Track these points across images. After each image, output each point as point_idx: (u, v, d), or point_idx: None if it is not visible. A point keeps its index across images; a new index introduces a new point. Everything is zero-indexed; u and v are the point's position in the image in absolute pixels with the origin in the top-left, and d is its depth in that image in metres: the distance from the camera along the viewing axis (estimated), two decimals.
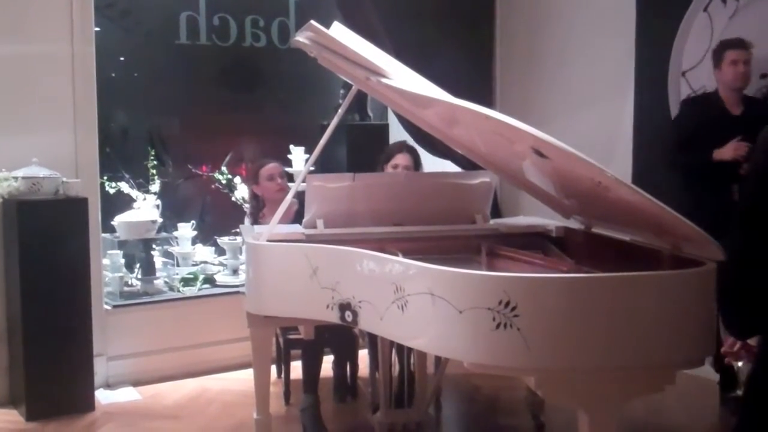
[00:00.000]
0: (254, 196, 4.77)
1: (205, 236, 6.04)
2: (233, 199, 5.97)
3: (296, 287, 3.55)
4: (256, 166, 4.78)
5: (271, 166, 4.71)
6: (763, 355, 1.90)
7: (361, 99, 5.80)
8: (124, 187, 5.50)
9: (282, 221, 3.97)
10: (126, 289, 5.34)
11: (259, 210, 4.72)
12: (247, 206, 5.80)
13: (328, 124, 3.89)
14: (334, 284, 3.40)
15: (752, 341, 2.08)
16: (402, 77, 3.55)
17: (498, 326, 2.68)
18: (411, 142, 5.41)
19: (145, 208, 5.39)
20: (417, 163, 4.63)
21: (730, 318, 1.89)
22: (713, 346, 2.82)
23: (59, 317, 4.50)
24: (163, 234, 5.56)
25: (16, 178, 4.51)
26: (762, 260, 1.81)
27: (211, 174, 6.15)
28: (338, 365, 4.78)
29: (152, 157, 5.67)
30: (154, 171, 5.65)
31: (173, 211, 5.93)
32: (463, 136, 3.82)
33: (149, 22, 6.04)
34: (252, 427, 4.12)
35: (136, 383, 5.05)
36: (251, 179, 4.79)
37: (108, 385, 5.00)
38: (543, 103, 6.04)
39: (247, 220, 4.77)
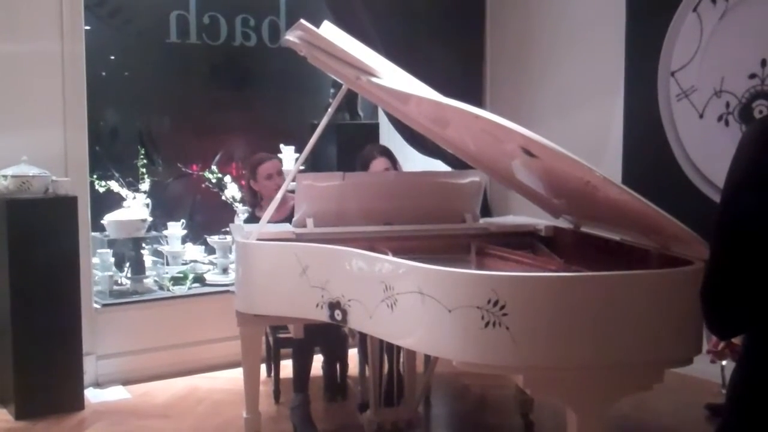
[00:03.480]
0: (251, 190, 4.74)
1: (194, 235, 6.04)
2: (223, 198, 5.97)
3: (286, 286, 3.55)
4: (255, 163, 4.73)
5: (269, 165, 4.68)
6: (747, 354, 1.91)
7: (351, 98, 5.80)
8: (114, 185, 5.49)
9: (280, 216, 3.97)
10: (116, 288, 5.34)
11: (257, 203, 4.70)
12: (237, 205, 5.83)
13: (319, 124, 3.89)
14: (323, 283, 3.40)
15: (737, 340, 2.09)
16: (392, 76, 3.56)
17: (487, 325, 2.69)
18: (394, 142, 5.41)
19: (135, 206, 5.39)
20: (394, 164, 4.64)
21: (711, 319, 1.90)
22: (701, 344, 2.84)
23: (49, 316, 4.48)
24: (153, 233, 5.55)
25: (5, 176, 4.49)
26: (743, 269, 1.81)
27: (201, 173, 6.14)
28: (328, 364, 4.79)
29: (142, 156, 5.66)
30: (144, 170, 5.64)
31: (163, 210, 5.93)
32: (453, 135, 3.82)
33: (139, 20, 6.03)
34: (242, 426, 4.12)
35: (126, 382, 5.05)
36: (250, 175, 4.73)
37: (97, 384, 4.99)
38: (533, 103, 6.06)
39: (237, 219, 4.76)
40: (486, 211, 5.39)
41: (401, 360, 4.15)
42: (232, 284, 4.76)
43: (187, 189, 6.30)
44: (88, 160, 5.03)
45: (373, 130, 6.20)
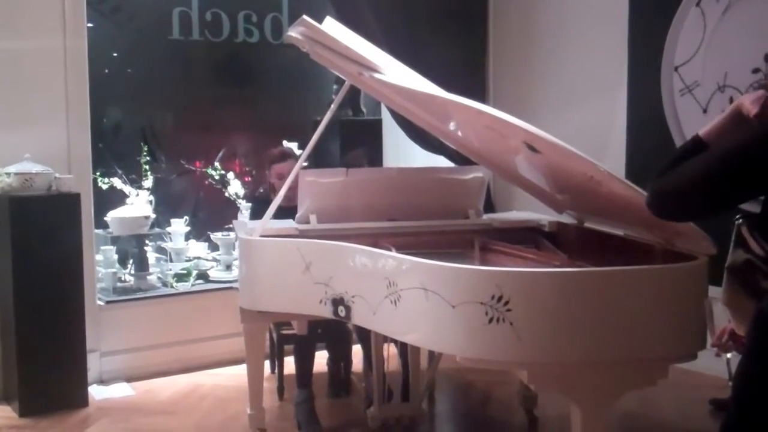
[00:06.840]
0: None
1: (198, 232, 6.03)
2: (226, 194, 5.97)
3: (289, 282, 3.55)
4: (271, 158, 4.66)
5: (282, 166, 4.54)
6: (752, 347, 1.91)
7: (354, 94, 5.81)
8: (117, 182, 5.49)
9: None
10: (119, 284, 5.34)
11: (273, 193, 4.62)
12: (240, 202, 5.83)
13: (322, 120, 3.88)
14: (327, 279, 3.40)
15: (740, 332, 2.09)
16: (395, 72, 3.55)
17: (491, 320, 2.69)
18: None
19: (138, 203, 5.39)
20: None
21: (658, 207, 2.12)
22: (705, 340, 2.83)
23: (52, 313, 4.49)
24: (156, 230, 5.56)
25: (8, 173, 4.49)
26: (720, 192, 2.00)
27: (204, 169, 6.14)
28: (332, 360, 4.79)
29: (145, 153, 5.66)
30: (147, 166, 5.64)
31: (166, 207, 5.93)
32: (456, 131, 3.82)
33: (142, 17, 6.02)
34: (246, 422, 4.13)
35: (130, 379, 5.05)
36: (267, 166, 4.71)
37: (101, 381, 4.99)
38: (536, 99, 6.05)
39: (240, 215, 4.72)
40: (489, 206, 5.39)
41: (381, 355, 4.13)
42: (235, 281, 4.77)
43: (191, 186, 6.29)
44: (91, 157, 5.02)
45: (376, 126, 6.21)
